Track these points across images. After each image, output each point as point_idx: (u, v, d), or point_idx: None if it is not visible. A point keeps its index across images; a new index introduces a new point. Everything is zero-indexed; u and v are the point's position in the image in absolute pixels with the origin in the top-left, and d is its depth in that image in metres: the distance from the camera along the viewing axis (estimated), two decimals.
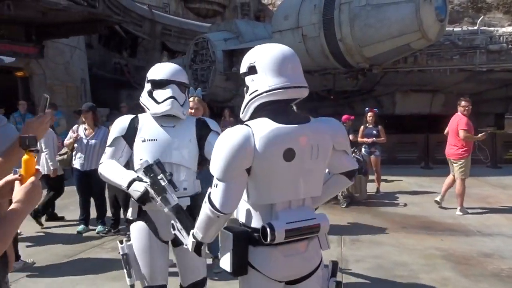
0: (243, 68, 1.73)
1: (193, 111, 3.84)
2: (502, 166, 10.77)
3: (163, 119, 2.37)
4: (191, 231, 1.76)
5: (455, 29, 12.68)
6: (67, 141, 5.58)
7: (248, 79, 1.71)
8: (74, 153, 5.51)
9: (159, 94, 2.34)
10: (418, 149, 11.83)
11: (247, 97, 1.70)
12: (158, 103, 2.33)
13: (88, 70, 14.77)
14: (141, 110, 2.49)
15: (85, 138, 5.46)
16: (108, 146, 2.42)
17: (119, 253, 2.36)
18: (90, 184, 5.47)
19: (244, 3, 26.77)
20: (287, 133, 1.59)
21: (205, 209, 1.64)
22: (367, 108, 8.06)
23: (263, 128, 1.58)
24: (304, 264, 1.71)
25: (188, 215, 2.01)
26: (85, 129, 5.52)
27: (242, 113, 1.74)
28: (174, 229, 1.99)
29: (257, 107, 1.67)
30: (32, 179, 1.29)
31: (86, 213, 5.61)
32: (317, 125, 1.70)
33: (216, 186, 1.60)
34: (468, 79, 12.16)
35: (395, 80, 12.48)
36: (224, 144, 1.58)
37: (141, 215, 2.35)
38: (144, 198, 2.14)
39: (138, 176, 2.20)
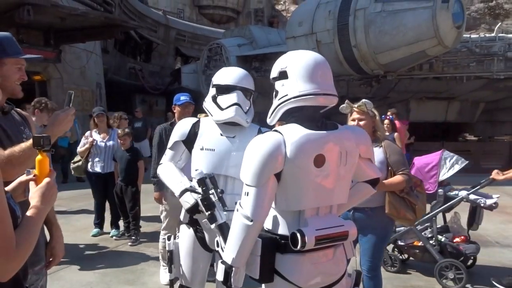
0: (273, 73, 1.74)
1: None
2: None
3: (224, 127, 2.32)
4: (220, 261, 1.70)
5: (472, 36, 12.55)
6: (80, 148, 5.53)
7: (278, 84, 1.71)
8: (90, 158, 5.54)
9: (223, 99, 2.27)
10: None
11: (276, 102, 1.70)
12: (221, 109, 2.27)
13: (103, 74, 14.97)
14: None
15: (102, 141, 5.51)
16: (169, 148, 2.43)
17: (165, 248, 2.40)
18: (107, 187, 5.51)
19: (257, 9, 26.94)
20: (318, 139, 1.60)
21: (237, 219, 1.62)
22: (383, 116, 8.02)
23: (294, 134, 1.58)
24: (331, 272, 1.70)
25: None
26: (99, 133, 5.56)
27: (270, 118, 1.74)
28: (217, 246, 1.97)
29: (286, 112, 1.68)
30: (47, 179, 1.30)
31: (101, 217, 5.64)
32: (345, 132, 1.71)
33: (247, 195, 1.60)
34: (484, 87, 12.00)
35: (410, 87, 12.38)
36: (255, 150, 1.59)
37: (192, 221, 2.35)
38: (194, 210, 2.14)
39: (191, 186, 2.19)
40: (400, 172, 2.86)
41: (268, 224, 1.70)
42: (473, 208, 4.17)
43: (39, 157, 1.33)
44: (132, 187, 5.27)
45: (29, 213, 1.22)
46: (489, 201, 3.97)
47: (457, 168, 4.09)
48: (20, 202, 1.35)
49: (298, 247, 1.55)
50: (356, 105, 2.91)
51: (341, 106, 2.90)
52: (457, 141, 14.48)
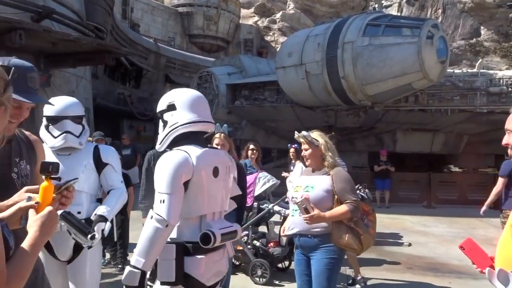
0: (161, 106, 2.07)
1: (219, 147, 3.81)
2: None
3: (60, 149, 2.59)
4: (128, 266, 1.83)
5: (455, 71, 12.95)
6: None
7: (167, 115, 2.04)
8: None
9: (54, 129, 2.57)
10: (421, 187, 11.80)
11: (167, 129, 2.02)
12: (54, 137, 2.56)
13: (92, 100, 14.91)
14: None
15: None
16: None
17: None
18: None
19: (247, 39, 27.45)
20: (213, 155, 2.03)
21: (151, 224, 1.81)
22: (289, 144, 7.03)
23: (195, 151, 1.92)
24: (222, 269, 2.02)
25: (78, 218, 2.04)
26: None
27: (160, 144, 2.05)
28: (70, 234, 2.11)
29: (176, 137, 1.99)
30: (49, 208, 1.24)
31: None
32: (222, 152, 2.25)
33: (163, 202, 1.81)
34: (468, 120, 12.30)
35: (397, 118, 12.61)
36: (168, 163, 1.85)
37: None
38: None
39: None
40: (347, 201, 2.70)
41: (172, 234, 1.89)
42: (284, 217, 4.72)
43: (45, 183, 1.28)
44: (121, 215, 5.15)
45: (25, 244, 1.16)
46: (288, 211, 4.05)
47: (268, 185, 4.86)
48: (14, 229, 1.28)
49: (211, 244, 1.82)
50: (296, 135, 2.94)
51: (297, 135, 2.94)
52: (443, 172, 14.67)
